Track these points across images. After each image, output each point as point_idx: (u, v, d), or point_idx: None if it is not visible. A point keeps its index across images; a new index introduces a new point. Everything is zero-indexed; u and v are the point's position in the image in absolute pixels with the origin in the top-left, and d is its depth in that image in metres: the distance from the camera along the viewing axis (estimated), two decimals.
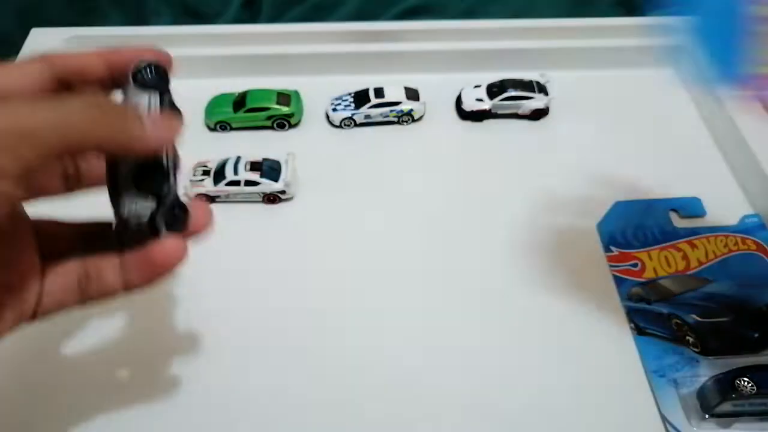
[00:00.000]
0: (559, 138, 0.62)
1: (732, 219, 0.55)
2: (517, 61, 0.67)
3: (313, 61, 0.66)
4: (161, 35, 0.67)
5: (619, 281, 0.51)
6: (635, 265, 0.52)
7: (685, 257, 0.52)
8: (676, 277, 0.51)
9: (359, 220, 0.55)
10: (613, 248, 0.53)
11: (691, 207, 0.56)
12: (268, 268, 0.51)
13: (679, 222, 0.55)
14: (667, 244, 0.53)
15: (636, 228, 0.54)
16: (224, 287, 0.50)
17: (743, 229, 0.54)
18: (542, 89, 0.63)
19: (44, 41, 0.66)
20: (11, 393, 0.44)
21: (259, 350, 0.47)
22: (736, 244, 0.53)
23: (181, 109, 0.32)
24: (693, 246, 0.53)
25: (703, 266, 0.51)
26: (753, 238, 0.53)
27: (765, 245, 0.53)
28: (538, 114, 0.63)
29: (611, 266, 0.52)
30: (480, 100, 0.63)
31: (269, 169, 0.55)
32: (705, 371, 0.45)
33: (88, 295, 0.32)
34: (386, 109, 0.62)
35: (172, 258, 0.31)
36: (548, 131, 0.63)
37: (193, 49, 0.66)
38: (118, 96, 0.32)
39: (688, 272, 0.51)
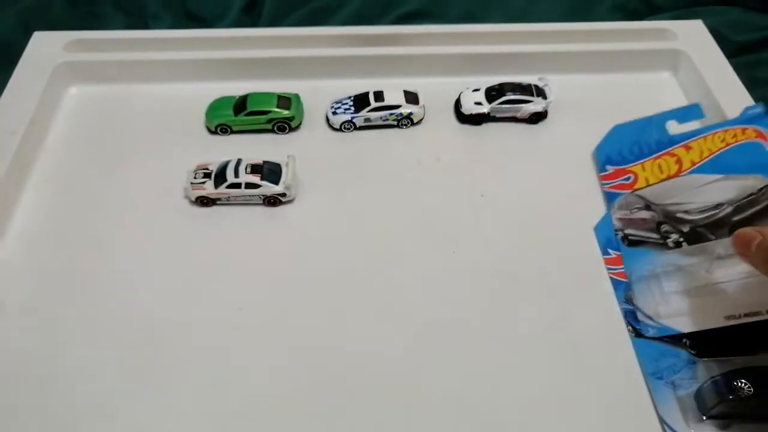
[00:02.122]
0: (557, 141, 0.62)
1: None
2: (515, 64, 0.67)
3: (314, 65, 0.67)
4: (162, 39, 0.68)
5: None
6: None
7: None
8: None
9: (359, 222, 0.55)
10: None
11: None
12: (268, 270, 0.52)
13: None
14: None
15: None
16: (225, 288, 0.50)
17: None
18: (541, 93, 0.63)
19: (46, 45, 0.66)
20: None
21: (258, 349, 0.47)
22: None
23: None
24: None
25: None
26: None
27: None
28: (537, 117, 0.64)
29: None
30: (479, 103, 0.63)
31: (269, 171, 0.55)
32: (702, 373, 0.45)
33: None
34: (386, 113, 0.62)
35: None
36: (546, 135, 0.63)
37: (194, 52, 0.66)
38: None
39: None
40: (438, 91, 0.65)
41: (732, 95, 0.62)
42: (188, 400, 0.45)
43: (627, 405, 0.45)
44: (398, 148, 0.62)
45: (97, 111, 0.64)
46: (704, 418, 0.43)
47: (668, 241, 0.46)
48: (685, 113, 0.53)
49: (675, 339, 0.47)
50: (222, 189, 0.55)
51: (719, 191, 0.45)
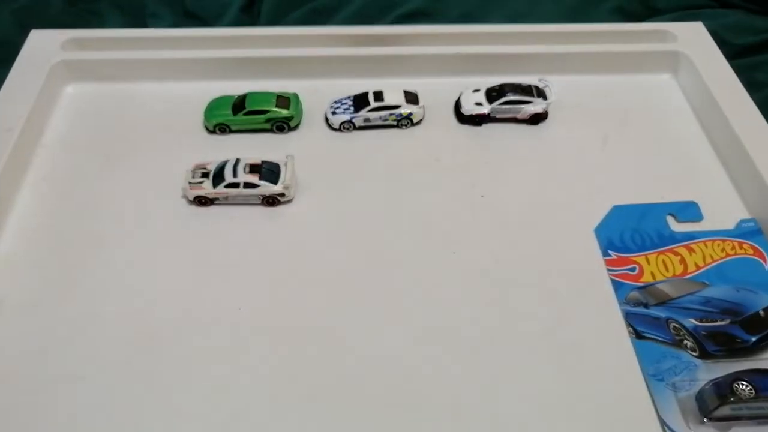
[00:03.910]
0: (557, 142, 0.62)
1: (729, 223, 0.55)
2: (516, 65, 0.67)
3: (313, 65, 0.66)
4: (160, 38, 0.67)
5: (617, 285, 0.51)
6: (633, 269, 0.52)
7: (682, 261, 0.53)
8: (673, 281, 0.51)
9: (358, 223, 0.55)
10: (611, 252, 0.53)
11: (688, 211, 0.56)
12: (267, 270, 0.51)
13: (676, 226, 0.55)
14: (665, 248, 0.54)
15: (633, 232, 0.55)
16: (223, 287, 0.50)
17: (740, 233, 0.55)
18: (541, 94, 0.63)
19: (43, 43, 0.66)
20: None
21: (257, 349, 0.47)
22: (733, 248, 0.53)
23: None
24: (690, 250, 0.53)
25: (700, 270, 0.52)
26: (750, 243, 0.54)
27: (762, 250, 0.53)
28: (537, 118, 0.64)
29: (609, 270, 0.52)
30: (479, 104, 0.63)
31: (268, 171, 0.55)
32: (703, 375, 0.45)
33: None
34: (385, 113, 0.62)
35: None
36: (547, 135, 0.63)
37: (193, 51, 0.66)
38: None
39: (686, 276, 0.52)
40: (438, 92, 0.65)
41: (732, 97, 0.63)
42: (188, 399, 0.44)
43: (628, 407, 0.45)
44: (398, 149, 0.61)
45: (94, 109, 0.64)
46: (705, 419, 0.43)
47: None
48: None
49: (675, 341, 0.47)
50: (220, 189, 0.54)
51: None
